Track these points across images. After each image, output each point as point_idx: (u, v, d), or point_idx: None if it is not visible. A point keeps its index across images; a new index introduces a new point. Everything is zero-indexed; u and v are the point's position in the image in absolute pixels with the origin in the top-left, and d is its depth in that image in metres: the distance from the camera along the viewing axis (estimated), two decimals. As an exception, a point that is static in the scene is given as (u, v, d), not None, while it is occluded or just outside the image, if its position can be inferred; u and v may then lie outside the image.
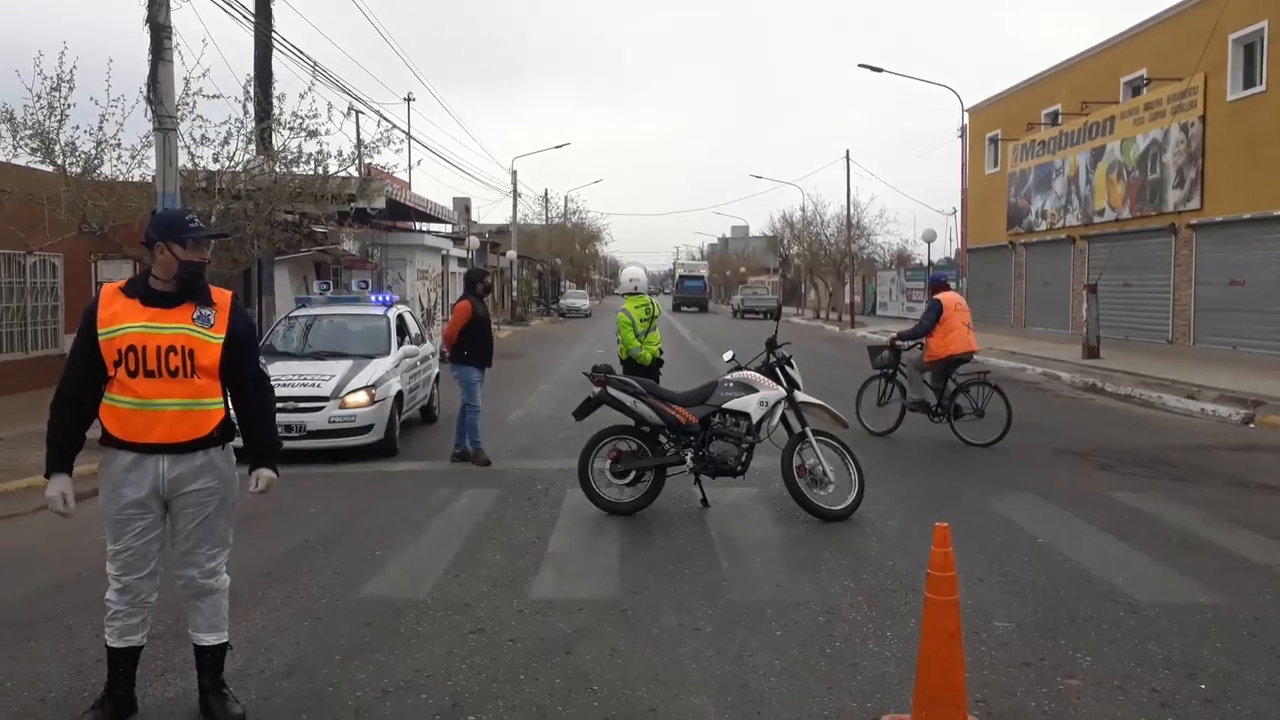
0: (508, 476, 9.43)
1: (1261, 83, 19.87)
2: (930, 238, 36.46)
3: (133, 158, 13.55)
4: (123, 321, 3.89)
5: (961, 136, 34.01)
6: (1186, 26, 21.69)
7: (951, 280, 18.06)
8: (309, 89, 15.07)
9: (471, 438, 10.19)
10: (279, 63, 16.48)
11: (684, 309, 64.44)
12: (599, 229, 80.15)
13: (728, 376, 7.93)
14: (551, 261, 63.82)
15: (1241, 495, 8.49)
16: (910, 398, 11.48)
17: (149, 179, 13.83)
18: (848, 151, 46.54)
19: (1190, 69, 21.09)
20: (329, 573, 6.25)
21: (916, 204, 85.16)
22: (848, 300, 46.19)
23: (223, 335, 3.97)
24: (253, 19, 15.95)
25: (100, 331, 3.89)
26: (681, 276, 74.58)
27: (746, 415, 7.64)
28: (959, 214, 36.78)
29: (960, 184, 33.82)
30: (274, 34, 16.06)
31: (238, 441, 4.10)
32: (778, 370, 7.82)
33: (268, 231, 14.21)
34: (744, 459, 7.69)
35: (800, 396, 7.79)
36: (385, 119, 19.05)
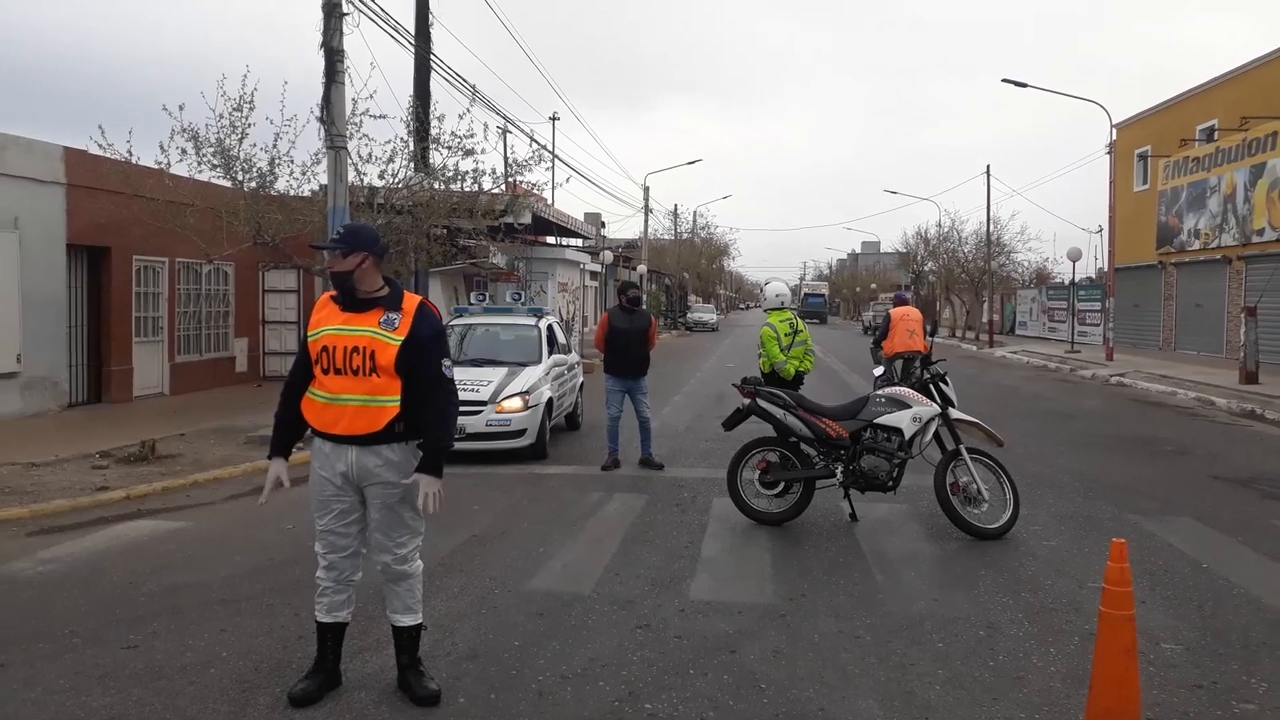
0: (654, 484, 9.67)
1: None
2: (1075, 256, 35.31)
3: (303, 173, 14.42)
4: (324, 325, 4.28)
5: (1109, 153, 32.86)
6: (1361, 37, 20.58)
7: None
8: (467, 110, 15.69)
9: (611, 443, 10.58)
10: (437, 86, 17.22)
11: (807, 320, 73.12)
12: (726, 244, 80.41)
13: (880, 392, 7.98)
14: (679, 276, 64.28)
15: None
16: None
17: (316, 193, 14.68)
18: (988, 167, 45.45)
19: (1365, 82, 19.97)
20: (498, 565, 6.59)
21: (1059, 221, 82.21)
22: (985, 319, 45.06)
23: (402, 338, 4.21)
24: (413, 43, 16.75)
25: (309, 334, 4.31)
26: (806, 294, 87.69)
27: (899, 431, 7.66)
28: (1104, 232, 35.61)
29: (1107, 201, 32.65)
30: (433, 56, 16.82)
31: None
32: (932, 387, 7.83)
33: (425, 245, 14.88)
34: (895, 474, 7.72)
35: (955, 413, 7.78)
36: (535, 141, 19.73)
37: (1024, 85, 31.76)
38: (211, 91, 13.51)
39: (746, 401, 7.97)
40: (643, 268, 42.93)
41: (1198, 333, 28.37)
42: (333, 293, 4.41)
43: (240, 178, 13.64)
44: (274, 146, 13.93)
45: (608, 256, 36.38)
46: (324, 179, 14.12)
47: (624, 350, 10.72)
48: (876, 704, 4.39)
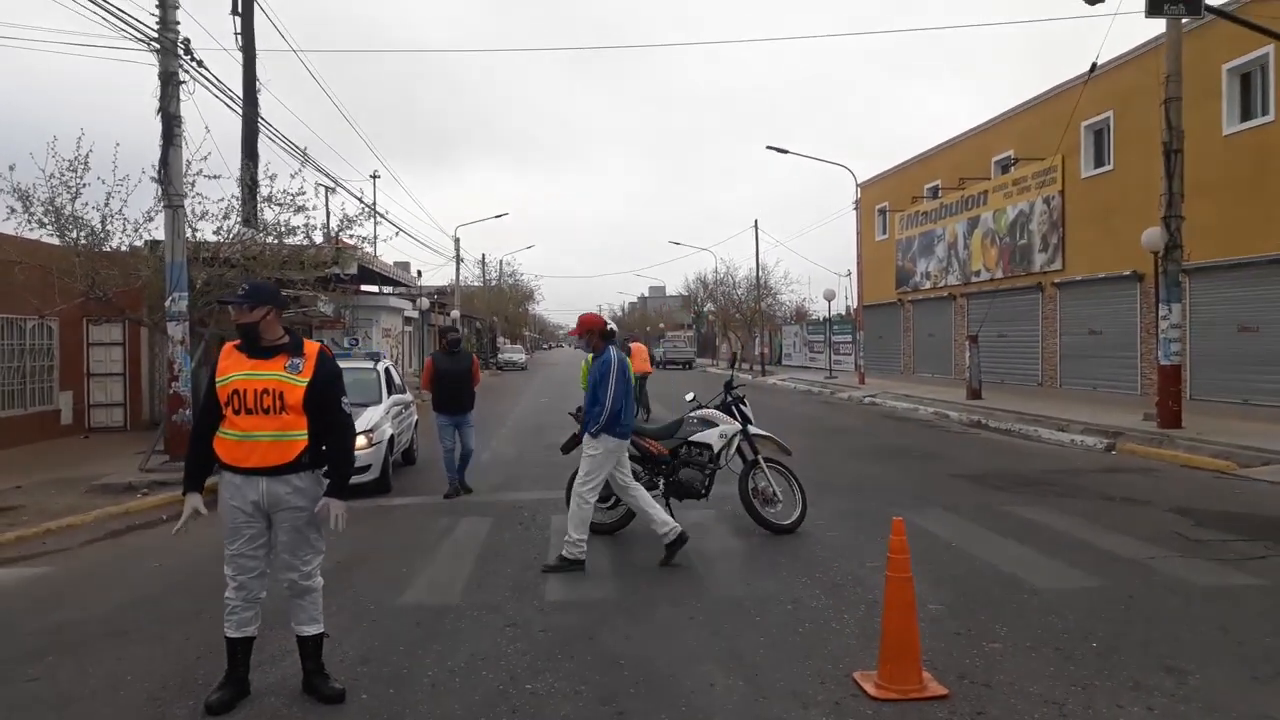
0: (495, 507, 9.93)
1: (1109, 163, 21.55)
2: (830, 296, 37.94)
3: (135, 230, 13.84)
4: (232, 371, 4.44)
5: (855, 208, 35.64)
6: (1046, 114, 23.38)
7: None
8: (299, 170, 15.53)
9: (450, 472, 10.81)
10: (270, 149, 16.89)
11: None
12: (531, 290, 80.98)
13: (692, 414, 8.62)
14: (488, 319, 64.14)
15: (1110, 507, 9.41)
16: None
17: (139, 249, 14.11)
18: (756, 221, 48.23)
19: (1050, 150, 22.73)
20: (368, 586, 6.71)
21: (815, 266, 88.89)
22: (757, 351, 47.47)
23: (308, 379, 4.47)
24: (240, 105, 16.40)
25: (218, 380, 4.45)
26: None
27: (709, 446, 8.32)
28: (853, 275, 38.47)
29: (856, 249, 35.34)
30: (261, 120, 16.50)
31: None
32: (734, 408, 8.53)
33: (259, 295, 14.53)
34: (707, 483, 8.35)
35: (753, 429, 8.51)
36: (362, 201, 19.63)
37: (785, 151, 34.00)
38: (41, 152, 12.83)
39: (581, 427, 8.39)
40: (456, 313, 42.71)
41: (932, 358, 31.06)
42: (236, 342, 4.56)
43: (75, 235, 12.98)
44: (105, 205, 13.36)
45: (424, 303, 36.03)
46: (156, 234, 13.66)
47: (449, 389, 10.97)
48: (715, 668, 4.91)
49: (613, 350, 7.18)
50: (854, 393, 27.14)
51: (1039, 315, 24.40)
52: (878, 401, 24.22)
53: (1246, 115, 17.43)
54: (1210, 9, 14.02)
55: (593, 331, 7.35)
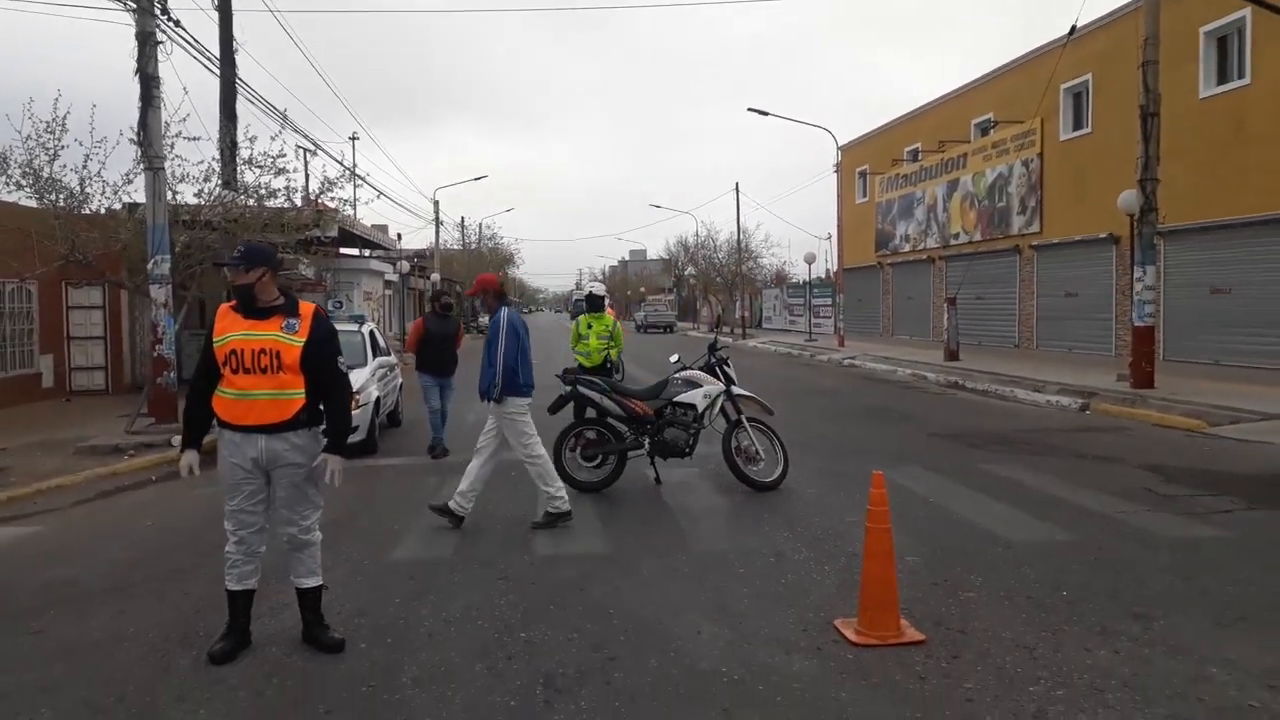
0: (481, 467, 10.05)
1: (1087, 125, 21.69)
2: (810, 259, 38.09)
3: (115, 193, 13.74)
4: (229, 331, 4.52)
5: (836, 171, 35.68)
6: (1026, 77, 23.46)
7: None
8: (278, 133, 15.41)
9: (434, 433, 10.97)
10: (250, 111, 16.74)
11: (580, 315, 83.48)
12: (511, 253, 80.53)
13: (676, 375, 8.76)
14: (469, 283, 63.89)
15: (1082, 464, 9.66)
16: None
17: (119, 211, 14.02)
18: (737, 184, 48.06)
19: (1030, 113, 22.85)
20: (360, 543, 6.85)
21: (795, 229, 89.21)
22: (738, 315, 47.64)
23: (304, 340, 4.55)
24: (218, 66, 16.22)
25: (215, 340, 4.53)
26: (577, 299, 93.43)
27: (693, 406, 8.47)
28: (834, 238, 38.59)
29: (836, 212, 35.43)
30: (239, 80, 16.34)
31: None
32: (717, 369, 8.68)
33: (239, 259, 14.52)
34: (691, 443, 8.52)
35: (736, 390, 8.66)
36: (341, 164, 19.57)
37: (766, 114, 33.88)
38: (18, 114, 12.70)
39: (568, 388, 8.54)
40: (436, 276, 42.57)
41: (910, 320, 31.35)
42: (232, 303, 4.64)
43: (53, 197, 12.88)
44: (84, 167, 13.24)
45: (404, 266, 35.91)
46: (135, 196, 13.58)
47: (436, 350, 11.12)
48: (701, 617, 5.09)
49: (504, 310, 7.33)
50: (834, 355, 27.38)
51: (1016, 278, 24.66)
52: (857, 363, 24.46)
53: (1223, 78, 17.61)
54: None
55: (488, 291, 7.54)
